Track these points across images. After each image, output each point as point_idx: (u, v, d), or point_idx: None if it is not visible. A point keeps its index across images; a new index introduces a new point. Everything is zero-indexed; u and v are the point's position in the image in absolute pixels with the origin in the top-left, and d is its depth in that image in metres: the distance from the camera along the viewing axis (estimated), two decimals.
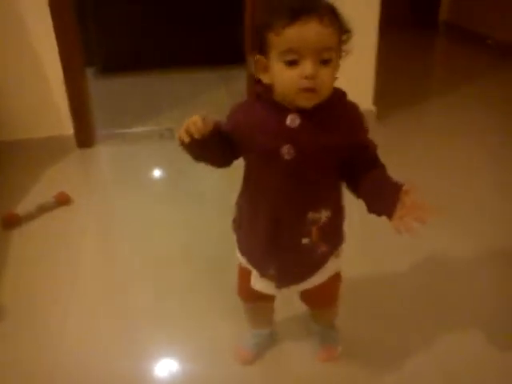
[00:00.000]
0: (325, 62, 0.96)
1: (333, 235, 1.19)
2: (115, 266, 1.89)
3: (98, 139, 2.79)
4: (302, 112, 1.02)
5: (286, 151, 1.03)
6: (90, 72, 3.32)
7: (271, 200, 1.10)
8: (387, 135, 2.73)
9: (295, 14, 0.93)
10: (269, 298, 1.32)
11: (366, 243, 1.92)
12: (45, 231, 2.04)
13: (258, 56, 1.02)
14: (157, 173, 2.62)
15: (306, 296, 1.32)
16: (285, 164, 1.04)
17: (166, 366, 1.47)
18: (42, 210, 2.13)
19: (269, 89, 1.04)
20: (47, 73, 2.56)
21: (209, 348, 1.51)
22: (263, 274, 1.21)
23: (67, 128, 2.68)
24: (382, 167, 1.10)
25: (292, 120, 1.02)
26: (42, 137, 2.65)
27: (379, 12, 2.68)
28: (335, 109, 1.04)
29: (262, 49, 1.00)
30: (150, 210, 2.21)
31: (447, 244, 1.91)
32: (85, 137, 2.72)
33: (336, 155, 1.08)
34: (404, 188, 0.98)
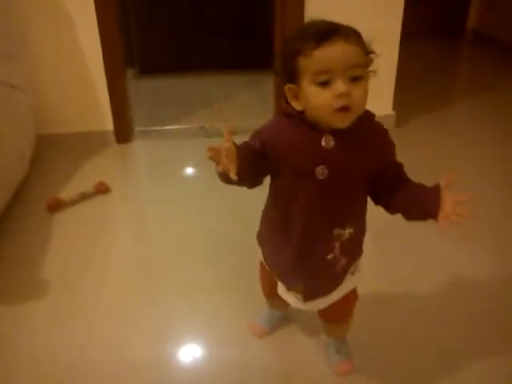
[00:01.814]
0: (355, 79, 0.96)
1: (353, 250, 1.20)
2: (146, 252, 1.97)
3: (136, 135, 2.91)
4: (335, 133, 1.02)
5: (321, 171, 1.04)
6: (130, 73, 3.46)
7: (302, 217, 1.10)
8: (404, 140, 2.73)
9: (322, 37, 0.94)
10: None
11: (381, 256, 1.89)
12: (85, 216, 2.17)
13: (288, 85, 1.02)
14: (189, 167, 2.69)
15: (323, 311, 1.30)
16: (318, 183, 1.05)
17: (187, 350, 1.52)
18: (83, 197, 2.26)
19: (302, 113, 1.03)
20: (91, 73, 2.68)
21: (228, 333, 1.56)
22: (290, 287, 1.23)
23: (108, 124, 2.80)
24: (413, 182, 1.11)
25: (327, 141, 1.03)
26: (85, 131, 2.78)
27: (401, 21, 2.74)
28: (366, 130, 1.05)
29: (292, 77, 1.00)
30: (182, 201, 2.30)
31: (465, 259, 1.88)
32: (123, 133, 2.84)
33: (366, 175, 1.09)
34: (442, 184, 1.02)
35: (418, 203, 1.06)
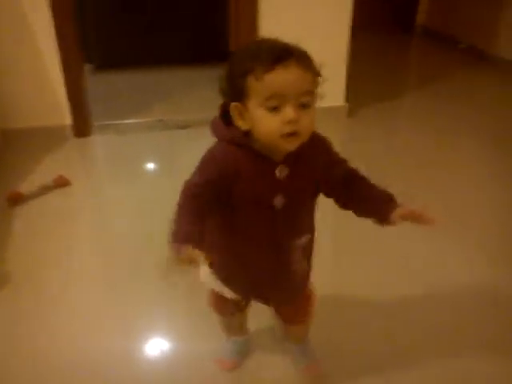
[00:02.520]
0: (304, 106, 0.95)
1: (310, 251, 1.21)
2: (107, 242, 2.03)
3: (94, 130, 2.94)
4: (286, 161, 1.02)
5: (278, 201, 1.04)
6: (87, 68, 3.47)
7: (265, 241, 1.10)
8: (356, 129, 2.93)
9: (275, 60, 0.91)
10: (242, 309, 1.33)
11: (342, 255, 1.89)
12: (45, 209, 2.20)
13: (233, 103, 0.97)
14: (147, 160, 2.76)
15: (284, 312, 1.32)
16: (275, 211, 1.05)
17: (154, 343, 1.55)
18: (43, 190, 2.31)
19: (246, 135, 1.00)
20: (48, 68, 2.71)
21: (197, 326, 1.57)
22: (266, 303, 1.26)
23: (66, 119, 2.84)
24: (363, 178, 1.13)
25: (281, 172, 1.02)
26: (44, 126, 2.81)
27: (350, 13, 2.80)
28: (309, 146, 1.03)
29: (239, 96, 0.96)
30: (141, 193, 2.37)
31: (426, 255, 1.93)
32: (82, 127, 2.87)
33: (316, 186, 1.11)
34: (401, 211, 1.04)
35: (370, 208, 1.09)
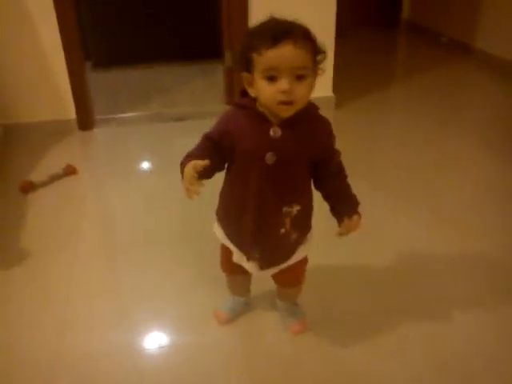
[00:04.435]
0: (299, 78, 1.09)
1: (302, 224, 1.34)
2: (110, 227, 2.17)
3: (97, 123, 3.11)
4: (282, 124, 1.17)
5: (269, 157, 1.18)
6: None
7: (255, 197, 1.23)
8: (343, 118, 3.10)
9: (274, 39, 1.06)
10: (247, 271, 1.42)
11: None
12: (56, 195, 2.37)
13: (245, 73, 1.15)
14: (146, 149, 2.93)
15: (278, 276, 1.44)
16: (267, 168, 1.19)
17: (150, 336, 1.60)
18: (53, 178, 2.46)
19: (254, 101, 1.18)
20: (53, 66, 2.87)
21: (192, 318, 1.65)
22: (249, 257, 1.35)
23: (71, 113, 3.01)
24: (343, 177, 1.30)
25: (275, 132, 1.17)
26: (50, 120, 2.98)
27: (335, 6, 3.01)
28: (310, 121, 1.20)
29: (248, 67, 1.13)
30: (140, 181, 2.56)
31: (412, 235, 2.06)
32: (85, 121, 3.04)
33: (308, 161, 1.24)
34: (355, 217, 1.25)
35: (336, 207, 1.29)
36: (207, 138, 1.23)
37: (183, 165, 1.15)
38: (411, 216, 2.19)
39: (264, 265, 1.36)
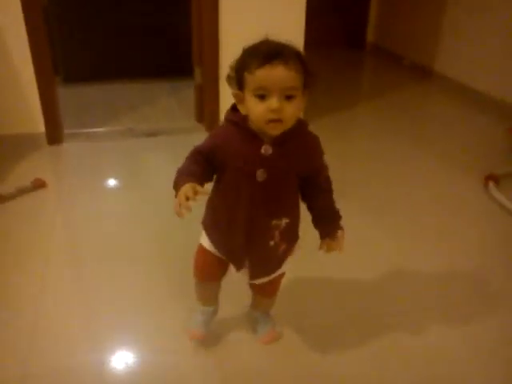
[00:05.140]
0: (288, 98, 1.12)
1: (291, 236, 1.38)
2: (80, 241, 2.18)
3: (66, 137, 3.08)
4: (273, 142, 1.20)
5: (260, 174, 1.22)
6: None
7: (245, 210, 1.26)
8: None
9: (265, 59, 1.10)
10: (219, 277, 1.48)
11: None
12: (24, 208, 2.35)
13: (236, 91, 1.19)
14: (118, 164, 2.91)
15: (258, 286, 1.46)
16: (257, 184, 1.23)
17: (120, 354, 1.57)
18: (22, 191, 2.44)
19: (245, 118, 1.20)
20: (22, 80, 2.85)
21: (164, 334, 1.64)
22: (238, 268, 1.39)
23: (39, 127, 2.99)
24: (330, 192, 1.35)
25: (266, 150, 1.20)
26: (18, 133, 2.95)
27: (303, 31, 3.13)
28: (299, 138, 1.23)
29: (240, 85, 1.17)
30: (111, 195, 2.58)
31: (395, 248, 2.14)
32: (54, 134, 3.01)
33: (297, 176, 1.29)
34: (339, 233, 1.31)
35: (320, 222, 1.34)
36: (198, 151, 1.26)
37: (178, 183, 1.18)
38: (388, 229, 2.28)
39: (254, 276, 1.40)
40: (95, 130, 3.25)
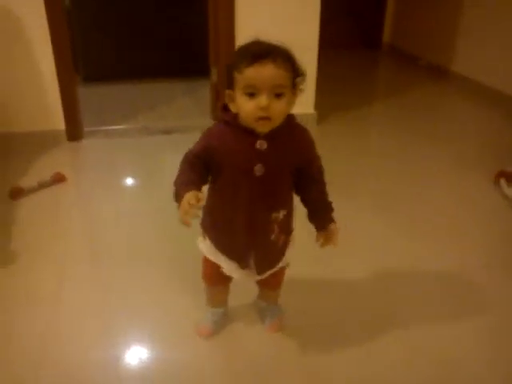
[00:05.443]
0: (277, 96, 1.14)
1: (287, 227, 1.40)
2: (96, 236, 2.21)
3: (85, 134, 3.17)
4: (266, 137, 1.21)
5: (258, 169, 1.23)
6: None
7: (245, 207, 1.27)
8: (324, 134, 3.24)
9: (254, 58, 1.12)
10: (227, 282, 1.51)
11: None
12: (44, 202, 2.42)
13: (228, 90, 1.20)
14: (134, 161, 2.99)
15: (263, 280, 1.47)
16: (255, 179, 1.24)
17: (133, 351, 1.59)
18: (42, 185, 2.51)
19: (236, 116, 1.21)
20: (45, 79, 2.95)
21: (175, 332, 1.65)
22: (244, 266, 1.39)
23: (60, 124, 3.07)
24: (323, 184, 1.36)
25: (261, 144, 1.22)
26: (39, 130, 3.04)
27: (318, 30, 3.13)
28: (290, 131, 1.25)
29: (231, 84, 1.18)
30: (127, 190, 2.66)
31: (392, 245, 2.13)
32: (74, 131, 3.10)
33: (292, 169, 1.31)
34: (332, 226, 1.33)
35: (313, 215, 1.36)
36: (195, 155, 1.27)
37: (180, 194, 1.19)
38: (399, 227, 2.27)
39: (260, 270, 1.42)
40: (113, 127, 3.33)
